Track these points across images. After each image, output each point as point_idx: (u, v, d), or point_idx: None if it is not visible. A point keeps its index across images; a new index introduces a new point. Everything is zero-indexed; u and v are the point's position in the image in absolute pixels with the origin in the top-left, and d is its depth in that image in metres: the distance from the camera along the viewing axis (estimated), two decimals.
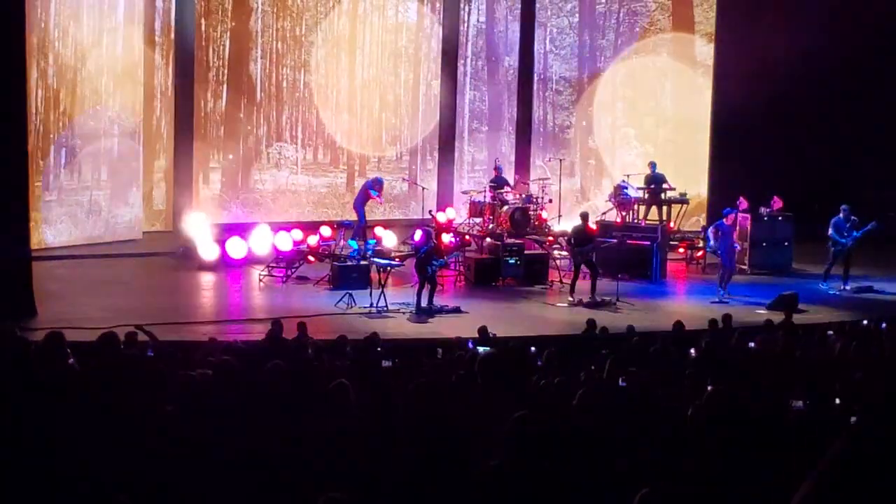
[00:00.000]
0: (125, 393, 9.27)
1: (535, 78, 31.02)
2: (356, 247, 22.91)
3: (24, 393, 9.23)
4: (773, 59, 28.98)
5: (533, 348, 15.21)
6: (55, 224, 24.57)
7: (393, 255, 24.23)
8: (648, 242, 24.06)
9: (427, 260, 20.34)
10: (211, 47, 27.32)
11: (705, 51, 31.10)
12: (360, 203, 25.82)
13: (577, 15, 31.35)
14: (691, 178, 30.27)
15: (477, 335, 16.07)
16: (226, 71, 27.53)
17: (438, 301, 20.58)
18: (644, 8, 31.41)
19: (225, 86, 27.55)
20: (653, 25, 31.31)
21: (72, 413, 8.59)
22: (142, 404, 9.05)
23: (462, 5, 30.70)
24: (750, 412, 9.52)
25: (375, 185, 25.89)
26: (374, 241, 23.88)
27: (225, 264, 23.71)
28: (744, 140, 29.66)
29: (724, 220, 22.23)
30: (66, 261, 23.59)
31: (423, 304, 20.17)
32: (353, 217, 25.89)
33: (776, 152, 29.61)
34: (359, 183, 27.96)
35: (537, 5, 30.82)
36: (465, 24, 30.92)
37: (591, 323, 16.81)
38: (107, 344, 10.57)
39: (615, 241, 23.00)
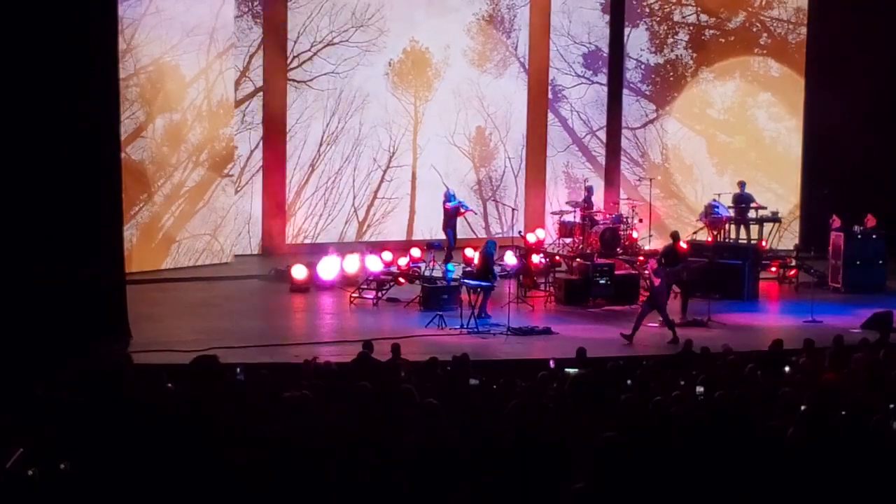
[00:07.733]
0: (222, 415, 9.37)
1: (626, 96, 30.80)
2: (453, 269, 22.94)
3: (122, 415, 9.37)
4: (867, 74, 28.57)
5: (623, 369, 15.15)
6: (147, 249, 24.84)
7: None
8: (740, 262, 23.88)
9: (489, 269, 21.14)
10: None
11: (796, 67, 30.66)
12: (448, 225, 25.73)
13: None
14: (782, 196, 30.04)
15: (566, 355, 16.04)
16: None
17: (529, 322, 20.75)
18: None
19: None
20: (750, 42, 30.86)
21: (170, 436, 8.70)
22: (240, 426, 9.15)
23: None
24: (845, 432, 9.43)
25: (451, 198, 25.94)
26: (454, 267, 23.60)
27: (316, 286, 23.84)
28: (836, 158, 29.21)
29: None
30: (158, 284, 23.82)
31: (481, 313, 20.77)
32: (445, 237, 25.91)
33: (869, 170, 29.13)
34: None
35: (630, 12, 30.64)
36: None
37: (687, 343, 16.66)
38: (203, 367, 10.67)
39: (706, 260, 22.83)
